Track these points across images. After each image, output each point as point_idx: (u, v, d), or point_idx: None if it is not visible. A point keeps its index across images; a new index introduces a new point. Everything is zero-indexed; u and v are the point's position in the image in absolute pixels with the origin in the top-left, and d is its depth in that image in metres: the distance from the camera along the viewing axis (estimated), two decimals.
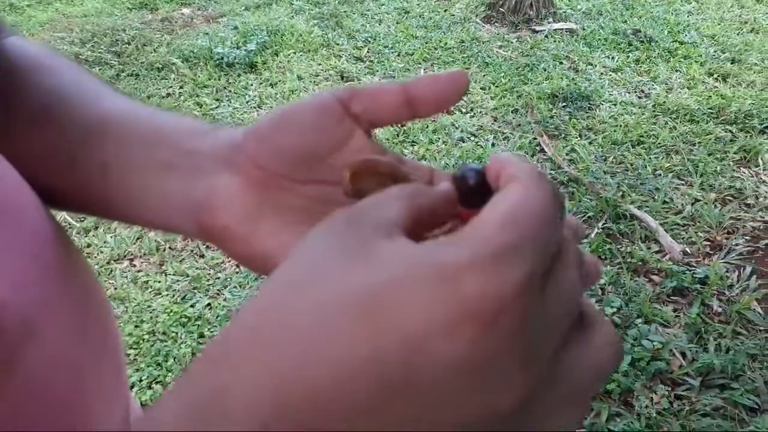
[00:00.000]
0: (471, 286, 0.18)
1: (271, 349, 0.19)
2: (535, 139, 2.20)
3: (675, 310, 1.58)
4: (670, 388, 1.40)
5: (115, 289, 1.66)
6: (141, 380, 1.42)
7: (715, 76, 2.59)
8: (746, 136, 2.20)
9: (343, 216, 0.23)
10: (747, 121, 2.27)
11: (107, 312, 0.37)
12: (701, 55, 2.72)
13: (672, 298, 1.62)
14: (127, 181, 0.34)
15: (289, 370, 0.19)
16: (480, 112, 2.37)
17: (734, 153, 2.13)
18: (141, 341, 1.51)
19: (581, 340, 0.22)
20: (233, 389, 0.19)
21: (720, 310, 1.59)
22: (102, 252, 1.78)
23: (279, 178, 0.31)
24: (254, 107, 2.41)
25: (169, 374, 1.43)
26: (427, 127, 2.17)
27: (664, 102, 2.40)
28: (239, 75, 2.60)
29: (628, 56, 2.73)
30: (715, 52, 2.75)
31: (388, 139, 2.15)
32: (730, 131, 2.23)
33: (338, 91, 0.32)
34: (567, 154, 2.12)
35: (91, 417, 0.32)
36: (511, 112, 2.37)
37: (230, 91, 2.49)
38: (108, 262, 1.74)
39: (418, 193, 0.24)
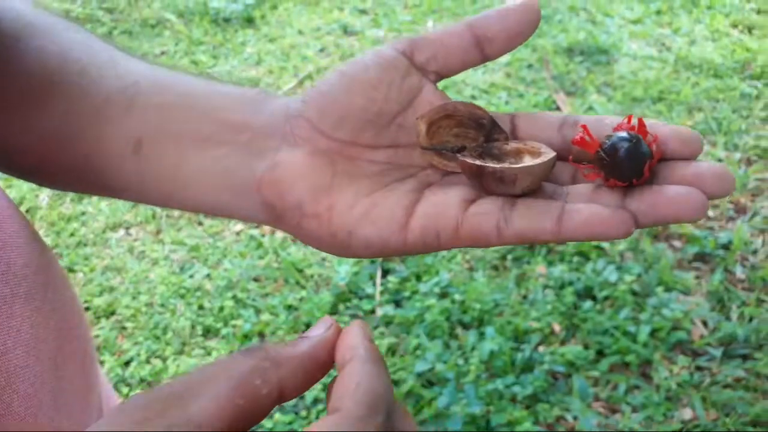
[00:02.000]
0: None
1: None
2: (550, 96, 2.09)
3: (697, 277, 1.51)
4: (690, 359, 1.34)
5: (112, 259, 1.60)
6: (139, 354, 1.37)
7: (740, 27, 2.46)
8: None
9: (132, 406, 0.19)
10: None
11: (78, 315, 0.34)
12: (725, 5, 2.58)
13: (693, 264, 1.55)
14: (166, 159, 0.30)
15: None
16: (492, 67, 2.26)
17: (760, 110, 2.02)
18: (138, 314, 1.46)
19: None
20: None
21: (743, 276, 1.52)
22: (97, 221, 1.71)
23: (348, 145, 0.29)
24: (253, 64, 2.31)
25: (168, 347, 1.38)
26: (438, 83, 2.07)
27: (687, 56, 2.28)
28: (236, 31, 2.48)
29: (649, 6, 2.60)
30: (739, 2, 2.61)
31: None
32: (756, 87, 2.12)
33: (398, 43, 0.30)
34: (584, 112, 2.02)
35: (60, 413, 0.30)
36: (526, 67, 2.26)
37: (227, 48, 2.38)
38: (103, 231, 1.68)
39: (266, 371, 0.21)
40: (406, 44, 0.30)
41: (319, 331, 0.23)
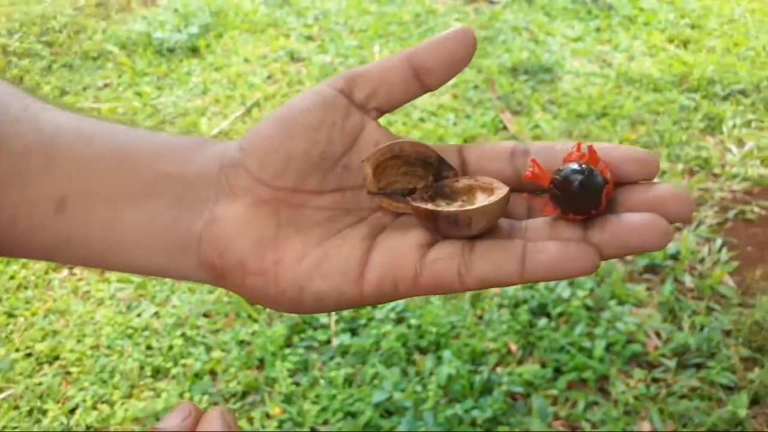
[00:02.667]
0: None
1: None
2: (497, 116, 2.12)
3: (648, 289, 1.53)
4: (646, 371, 1.36)
5: (54, 301, 1.53)
6: (85, 400, 1.31)
7: (676, 42, 2.55)
8: (709, 104, 2.16)
9: None
10: (709, 88, 2.23)
11: None
12: (661, 22, 2.67)
13: (644, 276, 1.57)
14: (94, 218, 0.28)
15: None
16: (439, 90, 2.26)
17: (698, 121, 2.09)
18: (83, 357, 1.39)
19: None
20: None
21: (692, 286, 1.54)
22: (39, 262, 1.64)
23: (292, 192, 0.28)
24: (199, 94, 2.28)
25: (116, 391, 1.32)
26: None
27: (627, 71, 2.34)
28: (181, 60, 2.45)
29: (588, 24, 2.67)
30: (674, 18, 2.70)
31: None
32: (694, 99, 2.19)
33: (336, 81, 0.29)
34: (531, 130, 2.05)
35: None
36: (472, 88, 2.28)
37: (172, 78, 2.34)
38: (45, 272, 1.61)
39: None
40: (344, 82, 0.29)
41: (176, 421, 0.21)
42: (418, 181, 0.29)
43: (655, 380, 1.34)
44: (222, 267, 0.27)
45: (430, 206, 0.27)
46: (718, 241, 1.64)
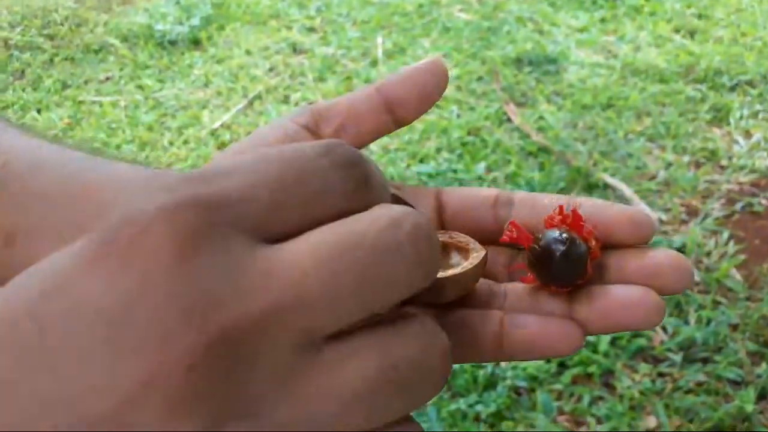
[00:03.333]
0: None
1: None
2: (501, 107, 2.10)
3: None
4: (652, 366, 1.34)
5: None
6: None
7: (683, 32, 2.52)
8: (716, 95, 2.14)
9: None
10: (716, 79, 2.21)
11: None
12: (667, 11, 2.64)
13: None
14: (38, 253, 0.23)
15: None
16: None
17: (705, 112, 2.06)
18: None
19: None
20: None
21: (699, 279, 1.53)
22: None
23: None
24: (201, 86, 2.26)
25: None
26: None
27: (633, 62, 2.32)
28: (183, 53, 2.43)
29: (594, 15, 2.64)
30: (681, 7, 2.67)
31: None
32: (700, 90, 2.17)
33: (301, 115, 0.27)
34: (535, 122, 2.03)
35: None
36: (476, 80, 2.26)
37: (174, 71, 2.33)
38: None
39: None
40: (310, 116, 0.27)
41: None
42: None
43: (661, 375, 1.33)
44: None
45: None
46: (725, 234, 1.62)
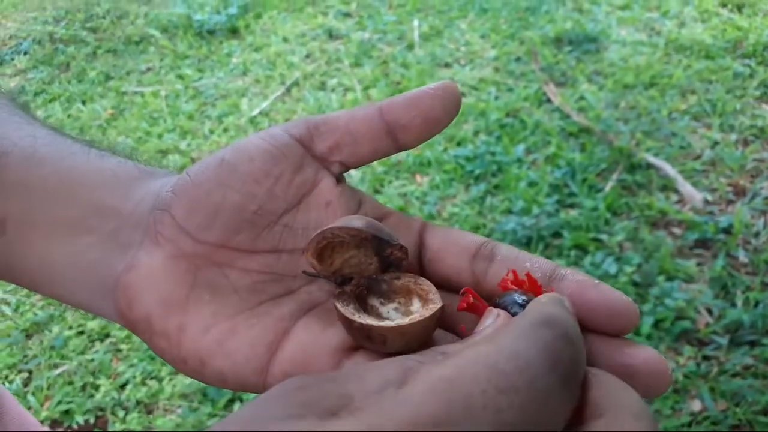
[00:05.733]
0: None
1: None
2: (540, 88, 2.06)
3: (699, 264, 1.48)
4: (697, 349, 1.31)
5: None
6: (135, 376, 1.35)
7: (730, 6, 2.43)
8: (766, 70, 2.06)
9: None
10: (766, 54, 2.13)
11: None
12: None
13: (695, 250, 1.52)
14: (28, 245, 0.26)
15: None
16: (480, 63, 2.23)
17: (754, 89, 1.99)
18: (132, 335, 1.43)
19: None
20: None
21: (746, 260, 1.48)
22: None
23: (217, 249, 0.25)
24: (239, 75, 2.29)
25: (164, 367, 1.36)
26: (425, 82, 2.04)
27: (677, 38, 2.24)
28: (221, 42, 2.46)
29: None
30: None
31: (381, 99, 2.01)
32: (749, 66, 2.09)
33: (296, 127, 0.26)
34: (576, 102, 1.99)
35: None
36: (514, 60, 2.23)
37: (213, 60, 2.36)
38: None
39: None
40: (305, 129, 0.26)
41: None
42: (371, 255, 0.26)
43: (706, 358, 1.30)
44: (130, 319, 0.25)
45: (348, 310, 0.24)
46: None
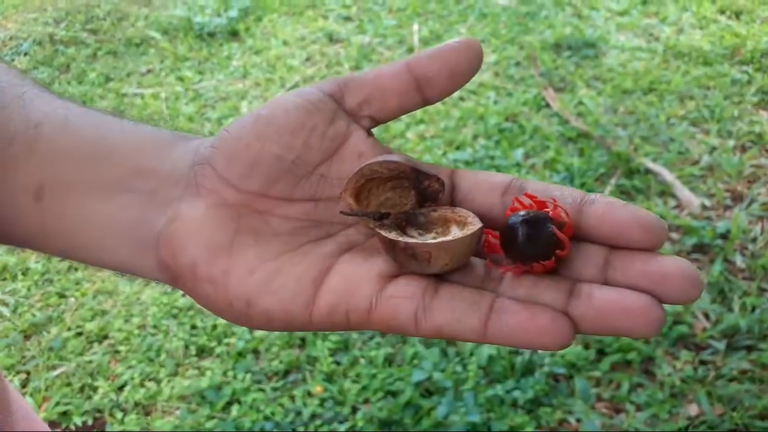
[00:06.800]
0: None
1: None
2: (539, 93, 2.07)
3: (697, 269, 1.48)
4: (694, 354, 1.32)
5: (103, 282, 1.58)
6: (133, 377, 1.35)
7: (728, 13, 2.44)
8: (763, 76, 2.07)
9: None
10: (763, 60, 2.14)
11: None
12: None
13: (692, 255, 1.52)
14: (67, 208, 0.27)
15: None
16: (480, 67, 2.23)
17: (752, 95, 2.00)
18: (131, 336, 1.44)
19: None
20: None
21: (744, 266, 1.49)
22: None
23: (258, 197, 0.26)
24: (239, 77, 2.29)
25: (162, 369, 1.36)
26: None
27: (675, 45, 2.26)
28: (221, 45, 2.47)
29: None
30: None
31: None
32: (747, 72, 2.10)
33: (327, 84, 0.27)
34: (574, 107, 2.00)
35: None
36: (513, 65, 2.24)
37: (213, 62, 2.37)
38: None
39: None
40: (336, 86, 0.27)
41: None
42: (407, 195, 0.27)
43: (703, 362, 1.30)
44: (175, 269, 0.26)
45: (391, 235, 0.25)
46: None
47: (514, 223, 0.24)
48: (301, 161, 0.26)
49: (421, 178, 0.26)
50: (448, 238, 0.24)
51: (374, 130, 0.29)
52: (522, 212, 0.24)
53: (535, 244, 0.23)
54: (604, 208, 0.24)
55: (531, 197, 0.25)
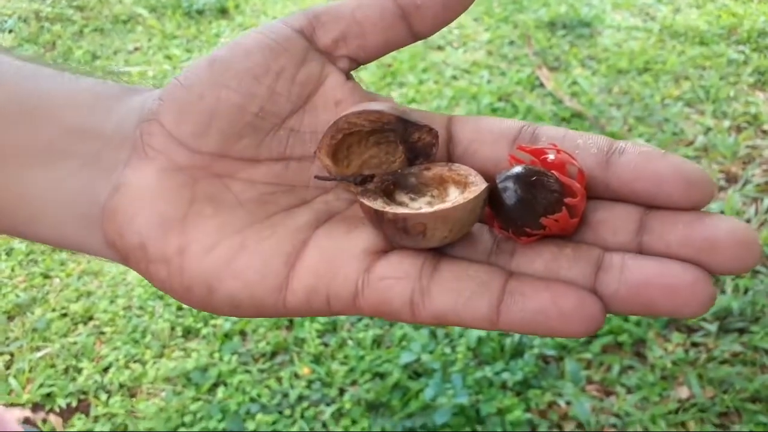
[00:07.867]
0: None
1: None
2: (533, 72, 2.04)
3: None
4: (685, 336, 1.31)
5: (88, 262, 1.55)
6: (118, 359, 1.33)
7: None
8: (760, 57, 2.05)
9: None
10: (760, 41, 2.11)
11: None
12: None
13: None
14: (1, 178, 0.22)
15: None
16: (473, 46, 2.20)
17: (748, 75, 1.98)
18: (116, 317, 1.41)
19: None
20: None
21: None
22: None
23: (216, 158, 0.22)
24: None
25: (148, 351, 1.34)
26: (416, 65, 2.01)
27: (672, 24, 2.22)
28: (210, 22, 2.43)
29: None
30: None
31: (373, 83, 1.99)
32: (743, 52, 2.07)
33: (296, 18, 0.22)
34: (568, 87, 1.98)
35: None
36: (507, 44, 2.20)
37: (201, 40, 2.33)
38: None
39: None
40: (305, 20, 0.23)
41: None
42: (394, 151, 0.22)
43: (694, 345, 1.29)
44: (123, 248, 0.22)
45: (376, 204, 0.20)
46: (766, 201, 1.56)
47: (499, 183, 0.20)
48: (267, 113, 0.22)
49: (411, 130, 0.22)
50: (447, 205, 0.20)
51: None
52: (516, 168, 0.20)
53: (530, 206, 0.19)
54: (637, 159, 0.20)
55: (523, 149, 0.20)
